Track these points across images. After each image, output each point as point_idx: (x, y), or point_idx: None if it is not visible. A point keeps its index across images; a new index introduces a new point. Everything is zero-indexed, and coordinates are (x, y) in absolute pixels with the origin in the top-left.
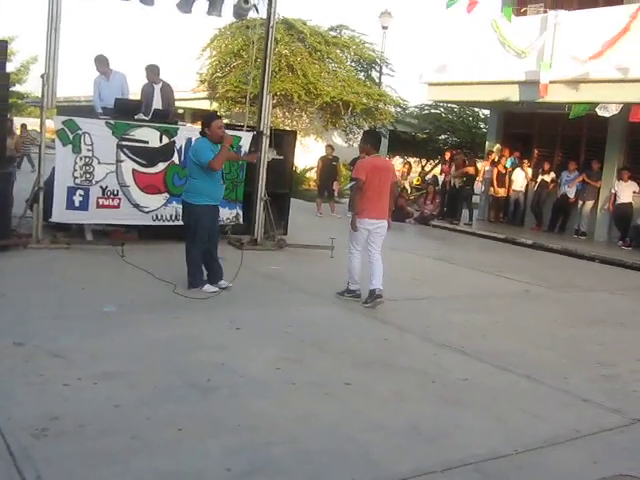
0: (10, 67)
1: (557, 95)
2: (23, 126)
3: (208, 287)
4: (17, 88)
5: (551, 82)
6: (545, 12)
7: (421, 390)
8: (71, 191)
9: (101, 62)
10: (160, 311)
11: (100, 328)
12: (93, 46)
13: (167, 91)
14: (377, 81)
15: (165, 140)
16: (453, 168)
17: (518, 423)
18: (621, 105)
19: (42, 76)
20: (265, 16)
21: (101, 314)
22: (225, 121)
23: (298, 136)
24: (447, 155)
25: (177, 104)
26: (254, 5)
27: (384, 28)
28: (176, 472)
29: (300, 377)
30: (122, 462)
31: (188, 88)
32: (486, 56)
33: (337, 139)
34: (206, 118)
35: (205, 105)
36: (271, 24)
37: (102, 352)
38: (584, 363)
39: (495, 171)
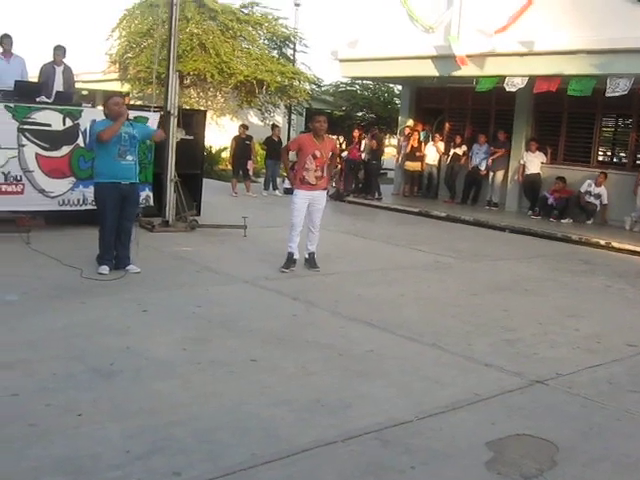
0: None
1: (466, 69)
2: None
3: (101, 268)
4: None
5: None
6: None
7: (327, 363)
8: None
9: (9, 42)
10: (65, 297)
11: (0, 317)
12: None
13: (68, 73)
14: (291, 58)
15: (69, 123)
16: (366, 142)
17: (421, 391)
18: (526, 78)
19: None
20: None
21: (1, 303)
22: (138, 102)
23: (213, 116)
24: (355, 133)
25: (88, 86)
26: None
27: (296, 5)
28: (74, 457)
29: (205, 357)
30: (19, 450)
31: (98, 69)
32: (397, 31)
33: (253, 118)
34: (105, 98)
35: (116, 87)
36: (174, 2)
37: (0, 341)
38: (488, 329)
39: (409, 146)
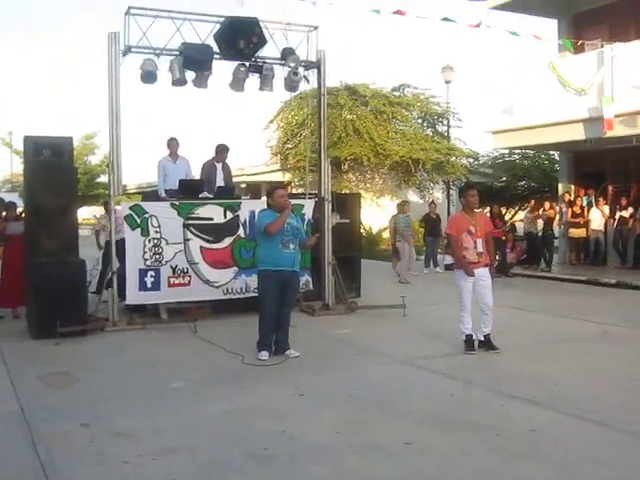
0: (95, 159)
1: (623, 129)
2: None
3: (261, 354)
4: (102, 179)
5: (616, 116)
6: (602, 47)
7: (484, 445)
8: (143, 273)
9: (176, 144)
10: (226, 383)
11: (166, 405)
12: (163, 130)
13: (227, 169)
14: (445, 135)
15: (229, 215)
16: (526, 212)
17: (586, 473)
18: None
19: (107, 166)
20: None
21: (169, 391)
22: (299, 190)
23: (373, 197)
24: (495, 209)
25: (253, 178)
26: (304, 76)
27: (447, 82)
28: None
29: (360, 439)
30: None
31: (262, 162)
32: (547, 98)
33: (412, 196)
34: (269, 189)
35: (279, 177)
36: (322, 92)
37: (165, 428)
38: None
39: (570, 212)
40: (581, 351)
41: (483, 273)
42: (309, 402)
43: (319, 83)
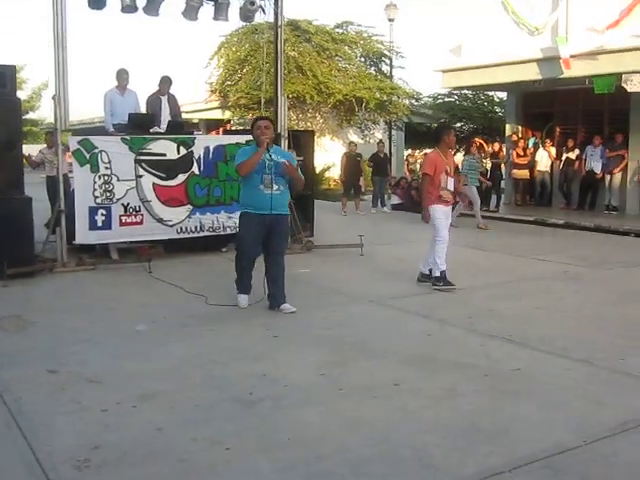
0: (22, 95)
1: (576, 70)
2: None
3: (240, 298)
4: (30, 115)
5: (570, 56)
6: None
7: (474, 384)
8: (93, 211)
9: (126, 77)
10: (194, 324)
11: (133, 348)
12: (99, 63)
13: (173, 102)
14: (388, 75)
15: (183, 151)
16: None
17: (581, 411)
18: None
19: (53, 98)
20: (272, 18)
21: (133, 333)
22: (240, 128)
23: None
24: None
25: (191, 115)
26: (260, 6)
27: (390, 20)
28: None
29: (346, 381)
30: None
31: (200, 99)
32: (500, 37)
33: (353, 136)
34: (253, 120)
35: (218, 114)
36: (279, 24)
37: (138, 373)
38: None
39: (515, 153)
40: (546, 290)
41: (449, 211)
42: (285, 343)
43: (276, 14)
